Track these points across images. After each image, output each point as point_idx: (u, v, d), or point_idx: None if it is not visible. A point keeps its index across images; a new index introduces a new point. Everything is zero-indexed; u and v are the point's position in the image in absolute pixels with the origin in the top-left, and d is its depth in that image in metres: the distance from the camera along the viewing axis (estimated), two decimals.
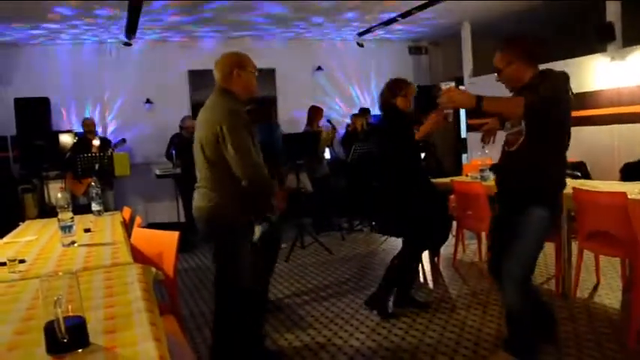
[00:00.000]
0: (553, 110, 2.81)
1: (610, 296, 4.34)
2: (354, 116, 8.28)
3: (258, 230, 3.30)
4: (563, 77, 2.89)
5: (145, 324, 1.65)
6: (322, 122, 8.07)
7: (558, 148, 2.98)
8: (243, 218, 3.08)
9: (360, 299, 4.64)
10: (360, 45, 9.90)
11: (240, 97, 3.11)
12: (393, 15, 8.01)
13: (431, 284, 5.03)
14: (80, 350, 1.43)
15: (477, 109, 2.86)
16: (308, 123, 7.88)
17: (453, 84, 3.13)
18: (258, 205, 3.14)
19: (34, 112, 7.91)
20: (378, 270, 5.56)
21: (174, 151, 7.60)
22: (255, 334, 3.41)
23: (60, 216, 3.03)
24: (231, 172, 2.94)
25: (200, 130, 3.05)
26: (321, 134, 7.35)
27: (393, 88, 4.24)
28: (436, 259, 5.60)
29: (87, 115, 8.21)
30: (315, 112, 7.90)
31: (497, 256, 3.16)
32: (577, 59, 7.26)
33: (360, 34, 9.47)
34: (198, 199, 3.10)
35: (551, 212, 2.99)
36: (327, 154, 8.12)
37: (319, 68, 9.78)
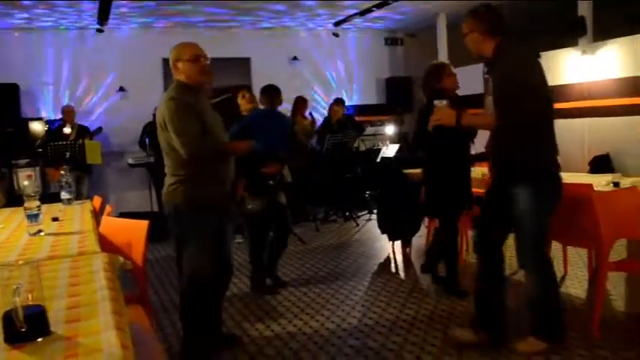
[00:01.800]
0: (522, 101, 2.86)
1: (576, 286, 4.43)
2: (334, 105, 8.26)
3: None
4: (523, 59, 2.98)
5: (108, 313, 1.63)
6: (307, 113, 8.07)
7: (534, 128, 2.98)
8: (202, 201, 3.14)
9: (331, 289, 4.66)
10: (336, 35, 9.88)
11: (188, 84, 3.20)
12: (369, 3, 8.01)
13: (402, 274, 5.07)
14: (40, 339, 1.41)
15: (457, 124, 3.12)
16: (292, 114, 7.85)
17: (445, 102, 3.09)
18: (217, 182, 3.23)
19: (3, 99, 7.75)
20: (349, 260, 5.60)
21: (147, 140, 7.52)
22: (211, 319, 3.40)
23: (26, 204, 2.98)
24: (180, 158, 3.08)
25: (157, 121, 3.21)
26: (297, 125, 7.32)
27: (435, 73, 4.13)
28: (408, 249, 5.65)
29: (66, 102, 8.06)
30: (298, 103, 7.86)
31: (485, 231, 3.23)
32: (550, 52, 7.35)
33: (336, 24, 9.45)
34: (164, 185, 3.24)
35: (536, 192, 3.00)
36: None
37: (295, 58, 9.74)
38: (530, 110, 2.90)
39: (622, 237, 3.62)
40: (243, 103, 4.97)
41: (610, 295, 4.09)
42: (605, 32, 6.86)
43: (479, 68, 8.59)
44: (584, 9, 6.93)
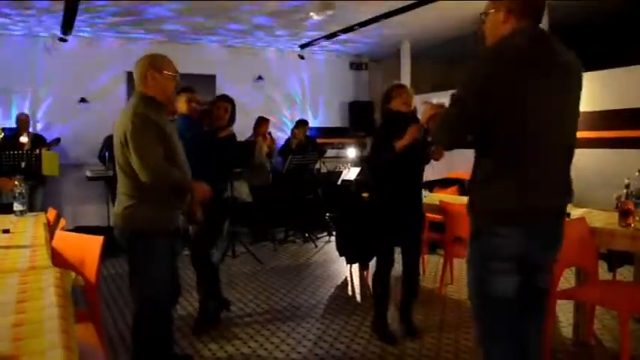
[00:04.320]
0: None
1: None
2: (295, 128, 8.31)
3: None
4: (496, 52, 2.13)
5: (55, 331, 1.60)
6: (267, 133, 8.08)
7: (503, 156, 2.11)
8: (157, 225, 3.01)
9: (287, 311, 4.65)
10: (302, 57, 9.96)
11: (157, 100, 3.02)
12: (335, 29, 8.12)
13: (358, 298, 5.09)
14: None
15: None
16: (253, 133, 7.85)
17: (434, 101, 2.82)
18: (173, 207, 3.10)
19: None
20: (306, 282, 5.59)
21: (107, 153, 7.41)
22: (164, 339, 3.33)
23: None
24: (138, 178, 2.89)
25: (114, 136, 2.99)
26: (255, 144, 7.32)
27: (385, 95, 4.03)
28: (365, 273, 5.67)
29: (16, 111, 7.87)
30: (259, 123, 7.87)
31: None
32: None
33: (302, 47, 9.53)
34: (116, 205, 3.04)
35: (484, 249, 2.19)
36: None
37: (260, 78, 9.77)
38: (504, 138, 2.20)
39: (571, 266, 3.72)
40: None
41: (559, 322, 4.19)
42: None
43: (439, 96, 8.80)
44: None
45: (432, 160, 3.91)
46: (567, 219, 3.84)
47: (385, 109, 4.02)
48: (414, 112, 3.98)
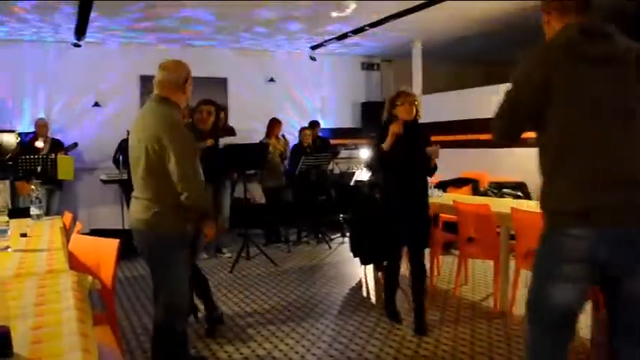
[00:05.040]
0: None
1: None
2: (302, 129, 8.33)
3: None
4: None
5: (74, 334, 1.62)
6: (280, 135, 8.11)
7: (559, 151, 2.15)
8: (181, 230, 3.00)
9: (301, 312, 4.65)
10: (313, 59, 9.96)
11: (181, 106, 3.02)
12: (345, 29, 8.12)
13: (373, 299, 5.08)
14: None
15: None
16: (266, 134, 7.88)
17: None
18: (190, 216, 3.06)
19: None
20: (320, 283, 5.59)
21: (121, 157, 7.47)
22: (184, 343, 3.33)
23: None
24: (170, 183, 2.85)
25: (139, 140, 2.92)
26: (269, 146, 7.34)
27: (390, 101, 4.26)
28: (380, 274, 5.65)
29: (41, 116, 7.90)
30: (272, 125, 7.90)
31: None
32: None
33: (313, 48, 9.54)
34: (138, 211, 2.97)
35: None
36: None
37: (271, 79, 9.79)
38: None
39: None
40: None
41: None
42: None
43: (450, 95, 8.79)
44: None
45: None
46: None
47: (390, 114, 4.23)
48: (417, 118, 4.22)
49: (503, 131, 2.31)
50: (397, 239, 4.31)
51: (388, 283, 4.54)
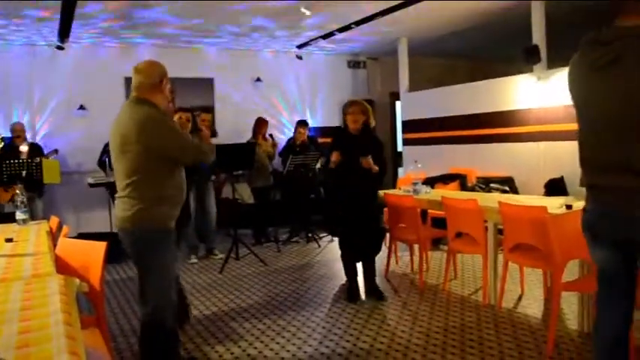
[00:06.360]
0: None
1: (533, 306, 4.51)
2: (299, 127, 8.28)
3: None
4: None
5: (61, 337, 1.60)
6: (267, 135, 8.10)
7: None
8: (165, 225, 3.05)
9: (292, 311, 4.65)
10: (299, 57, 9.95)
11: (160, 106, 3.07)
12: (331, 29, 8.12)
13: (363, 295, 5.09)
14: None
15: None
16: (253, 135, 7.87)
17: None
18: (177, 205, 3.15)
19: None
20: (310, 282, 5.59)
21: (106, 159, 7.41)
22: (175, 341, 3.32)
23: None
24: (151, 179, 2.95)
25: (118, 140, 2.99)
26: (257, 146, 7.33)
27: (343, 110, 4.93)
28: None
29: (14, 120, 7.85)
30: (258, 124, 7.90)
31: None
32: (507, 78, 7.56)
33: (299, 47, 9.53)
34: (121, 209, 3.02)
35: None
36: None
37: (258, 79, 9.77)
38: None
39: (574, 258, 3.72)
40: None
41: (564, 314, 4.20)
42: (558, 60, 7.09)
43: (437, 92, 8.82)
44: (538, 37, 7.15)
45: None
46: (569, 211, 3.88)
47: (343, 122, 4.85)
48: (367, 125, 4.78)
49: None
50: (343, 225, 4.90)
51: (345, 265, 5.02)
